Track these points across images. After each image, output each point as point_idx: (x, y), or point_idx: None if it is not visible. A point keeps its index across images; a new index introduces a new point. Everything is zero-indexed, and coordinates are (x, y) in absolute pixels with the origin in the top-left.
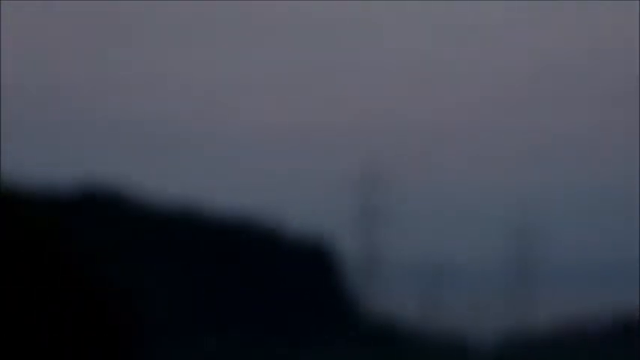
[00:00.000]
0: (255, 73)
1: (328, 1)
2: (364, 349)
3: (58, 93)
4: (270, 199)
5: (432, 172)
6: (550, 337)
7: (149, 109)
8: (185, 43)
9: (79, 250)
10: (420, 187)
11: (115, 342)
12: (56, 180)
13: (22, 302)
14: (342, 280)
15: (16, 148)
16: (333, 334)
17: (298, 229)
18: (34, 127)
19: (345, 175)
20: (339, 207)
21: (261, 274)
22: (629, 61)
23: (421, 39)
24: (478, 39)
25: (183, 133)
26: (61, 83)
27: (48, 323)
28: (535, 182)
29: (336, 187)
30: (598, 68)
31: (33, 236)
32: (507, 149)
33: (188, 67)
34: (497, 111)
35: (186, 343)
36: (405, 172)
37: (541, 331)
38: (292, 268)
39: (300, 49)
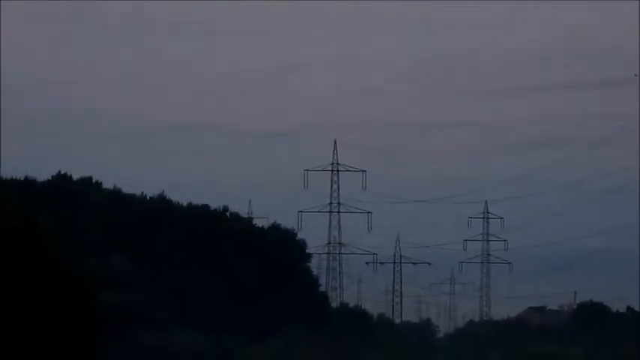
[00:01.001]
0: (231, 73)
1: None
2: (333, 338)
3: (34, 86)
4: (242, 192)
5: (400, 165)
6: (513, 323)
7: (125, 103)
8: (163, 41)
9: (54, 238)
10: (387, 178)
11: (85, 329)
12: (32, 170)
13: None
14: (312, 270)
15: None
16: (303, 320)
17: (270, 220)
18: (10, 120)
19: (314, 168)
20: (309, 199)
21: (235, 262)
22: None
23: (393, 38)
24: (457, 37)
25: (158, 127)
26: (36, 76)
27: (22, 311)
28: (503, 173)
29: (305, 181)
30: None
31: (8, 224)
32: (474, 141)
33: (166, 64)
34: (466, 105)
35: (160, 332)
36: (374, 164)
37: (504, 317)
38: (265, 256)
39: (269, 50)
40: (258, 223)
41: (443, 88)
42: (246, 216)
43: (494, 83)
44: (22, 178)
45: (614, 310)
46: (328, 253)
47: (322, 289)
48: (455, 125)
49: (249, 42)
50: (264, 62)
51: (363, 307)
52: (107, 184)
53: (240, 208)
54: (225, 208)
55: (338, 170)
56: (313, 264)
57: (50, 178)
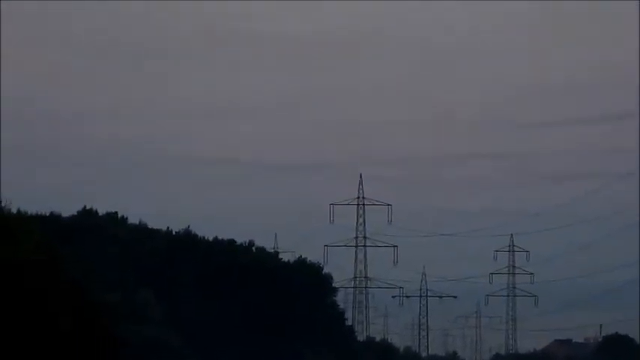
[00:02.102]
0: (252, 106)
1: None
2: None
3: (53, 118)
4: (268, 226)
5: (425, 198)
6: (539, 356)
7: (150, 136)
8: (182, 73)
9: (76, 272)
10: (412, 212)
11: (106, 353)
12: (54, 203)
13: (22, 318)
14: (338, 304)
15: (17, 173)
16: (330, 354)
17: (295, 255)
18: (33, 153)
19: (339, 202)
20: (335, 233)
21: (261, 296)
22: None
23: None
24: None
25: (183, 161)
26: (56, 109)
27: (44, 338)
28: (529, 206)
29: (330, 215)
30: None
31: (33, 256)
32: (501, 174)
33: (188, 97)
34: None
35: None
36: (399, 198)
37: (531, 350)
38: (291, 291)
39: (290, 82)
40: (284, 257)
41: (468, 120)
42: (272, 250)
43: (520, 116)
44: (48, 214)
45: None
46: (354, 287)
47: (348, 323)
48: (480, 158)
49: (270, 74)
50: (285, 94)
51: (389, 340)
52: (133, 219)
53: (265, 242)
54: (251, 243)
55: (364, 204)
56: (339, 298)
57: (75, 213)
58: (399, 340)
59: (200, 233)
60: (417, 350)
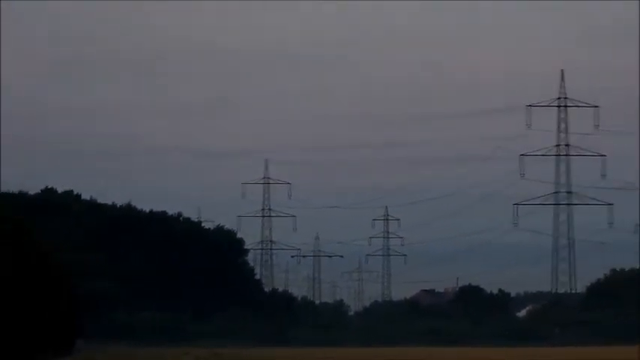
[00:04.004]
0: (185, 101)
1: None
2: (266, 316)
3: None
4: (192, 201)
5: (321, 178)
6: (408, 302)
7: (100, 127)
8: (132, 75)
9: (41, 239)
10: (311, 189)
11: (66, 310)
12: (25, 184)
13: None
14: (249, 262)
15: None
16: (242, 302)
17: (215, 223)
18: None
19: (250, 181)
20: (245, 206)
21: (187, 256)
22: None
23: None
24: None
25: (125, 147)
26: (30, 104)
27: (14, 297)
28: (403, 184)
29: (243, 192)
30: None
31: (3, 229)
32: (381, 158)
33: (130, 95)
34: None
35: (126, 313)
36: (301, 178)
37: (402, 298)
38: (211, 254)
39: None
40: (206, 225)
41: (365, 114)
42: (196, 220)
43: (403, 110)
44: (17, 192)
45: (489, 291)
46: (262, 249)
47: (257, 277)
48: (367, 146)
49: (198, 78)
50: (210, 93)
51: (290, 291)
52: (85, 196)
53: (191, 213)
54: (180, 214)
55: (269, 183)
56: (250, 257)
57: (40, 191)
58: (298, 290)
59: (139, 206)
60: (312, 299)
